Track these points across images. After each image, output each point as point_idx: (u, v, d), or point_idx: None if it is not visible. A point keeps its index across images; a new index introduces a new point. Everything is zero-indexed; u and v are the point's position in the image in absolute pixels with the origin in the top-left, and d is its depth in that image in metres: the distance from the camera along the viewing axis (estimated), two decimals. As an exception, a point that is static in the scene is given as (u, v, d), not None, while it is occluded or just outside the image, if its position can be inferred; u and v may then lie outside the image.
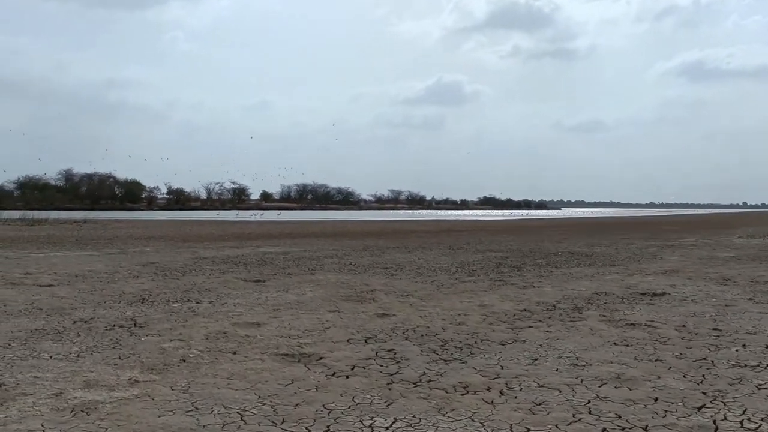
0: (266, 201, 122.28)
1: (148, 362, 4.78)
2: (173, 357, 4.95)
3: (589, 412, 3.68)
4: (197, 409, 3.72)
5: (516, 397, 3.97)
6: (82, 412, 3.64)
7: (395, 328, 6.18)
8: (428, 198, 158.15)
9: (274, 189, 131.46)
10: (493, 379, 4.39)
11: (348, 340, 5.60)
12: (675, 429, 3.42)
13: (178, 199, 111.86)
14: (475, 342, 5.57)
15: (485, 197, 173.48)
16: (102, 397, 3.93)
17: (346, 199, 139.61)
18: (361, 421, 3.53)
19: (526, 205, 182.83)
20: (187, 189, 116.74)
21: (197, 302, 7.64)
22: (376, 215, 75.87)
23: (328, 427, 3.45)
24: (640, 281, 9.97)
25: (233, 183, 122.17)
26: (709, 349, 5.28)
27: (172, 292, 8.52)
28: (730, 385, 4.24)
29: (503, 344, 5.48)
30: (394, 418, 3.58)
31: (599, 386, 4.20)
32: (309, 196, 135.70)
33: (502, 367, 4.70)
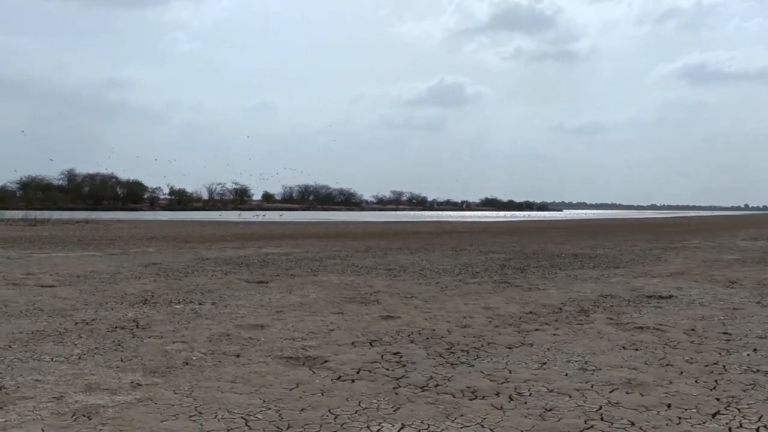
0: (268, 202, 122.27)
1: (150, 365, 4.71)
2: (176, 359, 4.88)
3: (602, 419, 3.60)
4: (201, 413, 3.64)
5: (526, 403, 3.89)
6: (84, 416, 3.57)
7: (400, 330, 6.10)
8: (430, 199, 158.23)
9: (276, 190, 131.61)
10: (502, 383, 4.31)
11: (353, 343, 5.53)
12: (690, 436, 3.35)
13: (180, 200, 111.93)
14: (482, 345, 5.49)
15: (487, 198, 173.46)
16: (104, 401, 3.85)
17: (348, 200, 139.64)
18: (368, 427, 3.45)
19: (528, 206, 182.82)
20: (189, 190, 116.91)
21: (200, 303, 7.57)
22: (378, 216, 75.79)
23: (334, 433, 3.37)
24: (646, 283, 9.89)
25: (235, 184, 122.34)
26: (720, 354, 5.19)
27: (174, 293, 8.45)
28: (744, 391, 4.16)
29: (510, 348, 5.40)
30: (402, 424, 3.50)
31: (610, 392, 4.12)
32: (311, 197, 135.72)
33: (510, 372, 4.62)
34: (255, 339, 5.64)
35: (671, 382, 4.33)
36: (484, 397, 4.01)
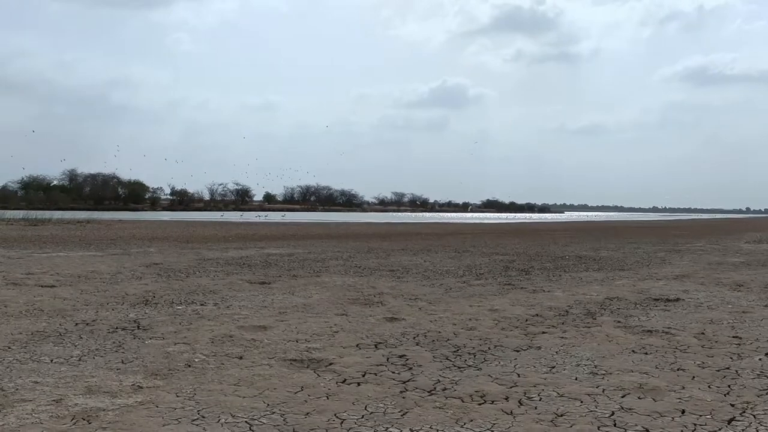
0: (270, 203, 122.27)
1: (152, 367, 4.62)
2: (178, 362, 4.79)
3: (615, 425, 3.50)
4: (203, 417, 3.55)
5: (536, 408, 3.79)
6: (83, 420, 3.48)
7: (405, 332, 6.01)
8: (431, 201, 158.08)
9: (278, 191, 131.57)
10: (511, 387, 4.22)
11: (357, 345, 5.44)
12: (706, 444, 3.25)
13: (182, 200, 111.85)
14: (489, 348, 5.40)
15: (488, 200, 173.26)
16: (104, 404, 3.76)
17: (350, 202, 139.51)
18: (375, 432, 3.36)
19: (530, 208, 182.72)
20: (191, 190, 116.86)
21: (202, 304, 7.48)
22: (380, 217, 75.71)
23: (341, 438, 3.28)
24: (652, 286, 9.79)
25: (237, 184, 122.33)
26: (731, 358, 5.10)
27: (176, 293, 8.37)
28: (758, 396, 4.06)
29: (518, 351, 5.31)
30: (411, 429, 3.41)
31: (622, 396, 4.03)
32: (312, 198, 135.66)
33: (518, 375, 4.52)
34: (258, 341, 5.55)
35: (684, 387, 4.24)
36: (493, 401, 3.91)
